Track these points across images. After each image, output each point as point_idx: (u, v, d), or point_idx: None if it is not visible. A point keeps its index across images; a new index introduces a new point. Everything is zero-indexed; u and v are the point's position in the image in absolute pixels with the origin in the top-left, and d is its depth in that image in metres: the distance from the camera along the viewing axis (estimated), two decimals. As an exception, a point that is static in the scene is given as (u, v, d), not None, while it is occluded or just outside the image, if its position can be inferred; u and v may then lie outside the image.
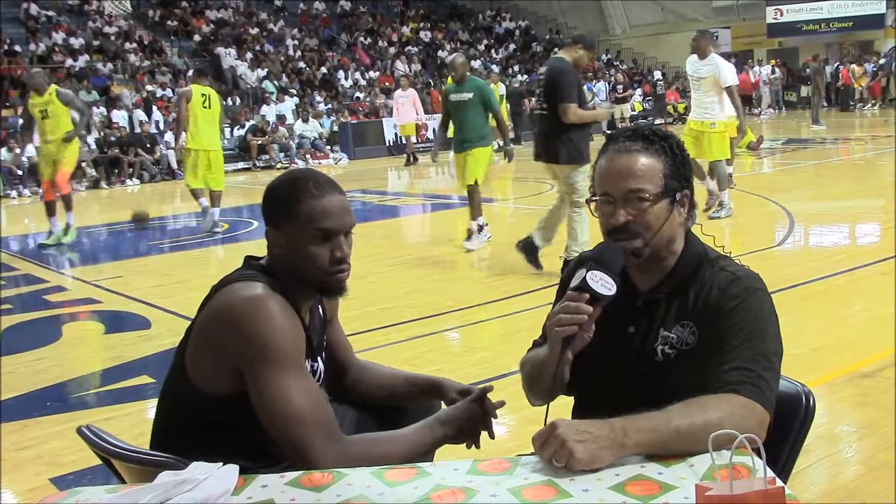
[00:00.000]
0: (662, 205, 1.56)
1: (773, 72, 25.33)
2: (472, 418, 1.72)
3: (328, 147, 19.25)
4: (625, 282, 1.64)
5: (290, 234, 1.66)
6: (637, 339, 1.60)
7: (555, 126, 5.55)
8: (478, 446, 1.74)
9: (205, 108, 8.63)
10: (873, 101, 24.13)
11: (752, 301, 1.51)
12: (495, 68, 25.14)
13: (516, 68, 26.62)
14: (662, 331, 1.57)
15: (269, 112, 19.48)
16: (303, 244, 1.65)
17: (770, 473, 1.17)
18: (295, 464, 1.52)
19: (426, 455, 1.67)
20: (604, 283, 1.48)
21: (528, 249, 5.98)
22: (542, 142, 5.77)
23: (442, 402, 1.89)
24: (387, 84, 22.87)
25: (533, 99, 5.42)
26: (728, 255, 1.65)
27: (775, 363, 1.47)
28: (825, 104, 22.48)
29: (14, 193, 15.27)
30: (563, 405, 1.75)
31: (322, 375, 1.84)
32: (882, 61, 24.33)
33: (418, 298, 5.77)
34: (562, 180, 5.77)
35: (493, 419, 1.76)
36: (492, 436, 1.76)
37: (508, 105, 20.00)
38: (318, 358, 1.83)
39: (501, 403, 1.77)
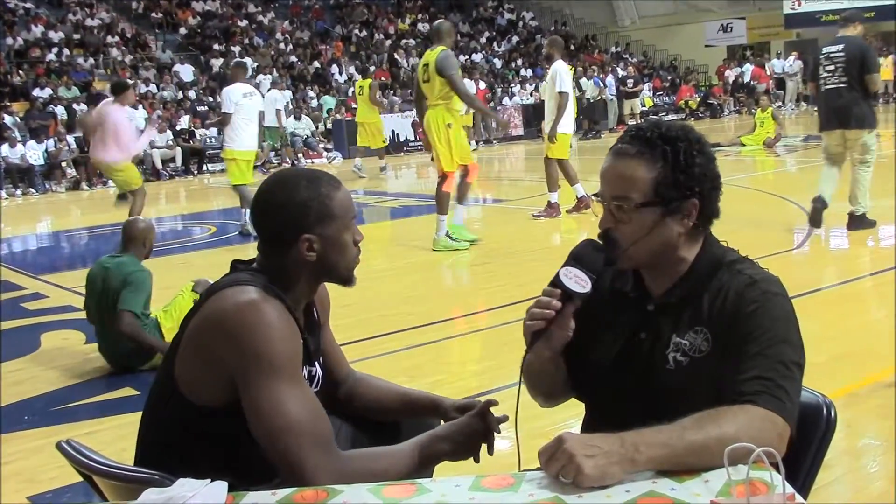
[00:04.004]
0: (646, 214, 1.56)
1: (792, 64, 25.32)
2: (473, 434, 1.72)
3: (321, 145, 19.26)
4: (637, 285, 1.65)
5: (329, 233, 1.70)
6: (648, 346, 1.60)
7: (860, 96, 6.78)
8: (476, 460, 1.74)
9: None
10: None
11: (771, 306, 1.51)
12: (497, 62, 25.19)
13: (519, 62, 26.64)
14: (675, 337, 1.57)
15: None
16: (340, 237, 1.72)
17: (789, 489, 1.17)
18: (288, 479, 1.52)
19: (425, 471, 1.68)
20: (577, 280, 1.54)
21: (857, 221, 6.94)
22: (843, 112, 6.83)
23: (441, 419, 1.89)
24: (383, 79, 22.89)
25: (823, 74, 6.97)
26: (745, 257, 1.64)
27: (796, 372, 1.47)
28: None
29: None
30: (567, 406, 1.75)
31: (320, 381, 1.84)
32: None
33: (417, 305, 5.77)
34: (855, 144, 6.86)
35: (494, 435, 1.76)
36: (490, 452, 1.76)
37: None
38: (316, 363, 1.83)
39: (504, 418, 1.77)
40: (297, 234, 1.68)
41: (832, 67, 6.88)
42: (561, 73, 8.60)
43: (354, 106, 21.38)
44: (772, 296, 1.52)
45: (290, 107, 19.12)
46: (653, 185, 1.55)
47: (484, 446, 1.75)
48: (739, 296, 1.53)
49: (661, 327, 1.60)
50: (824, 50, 7.01)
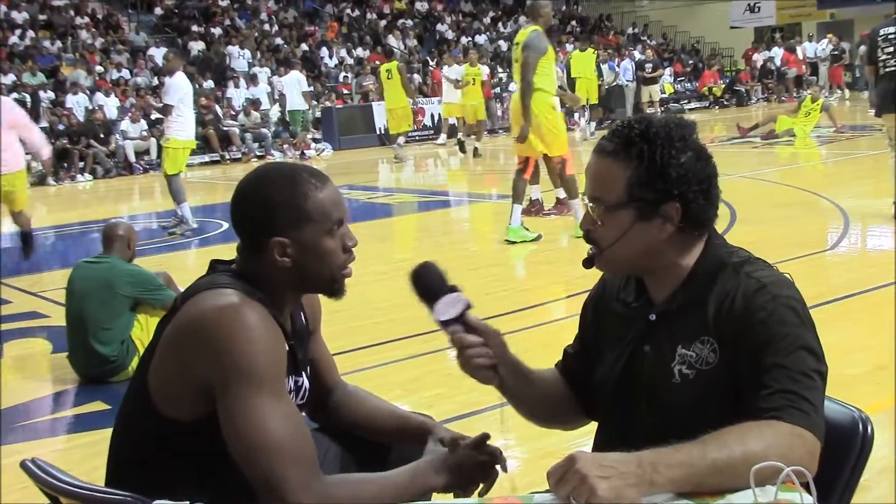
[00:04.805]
0: (620, 217, 1.57)
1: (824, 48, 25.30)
2: (471, 468, 1.71)
3: (309, 136, 19.25)
4: (641, 294, 1.66)
5: (303, 238, 1.68)
6: (652, 358, 1.61)
7: None
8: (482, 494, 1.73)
9: None
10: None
11: (783, 311, 1.50)
12: (503, 44, 25.14)
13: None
14: (680, 349, 1.58)
15: (237, 96, 19.43)
16: (319, 243, 1.69)
17: (821, 512, 1.17)
18: (268, 502, 1.52)
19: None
20: (449, 305, 1.74)
21: None
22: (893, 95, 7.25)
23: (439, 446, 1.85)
24: (378, 63, 22.88)
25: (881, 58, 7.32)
26: (755, 257, 1.63)
27: (818, 381, 1.47)
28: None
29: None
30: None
31: (307, 392, 1.84)
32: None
33: (415, 311, 5.74)
34: None
35: (497, 471, 1.75)
36: (504, 469, 1.75)
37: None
38: (303, 372, 1.83)
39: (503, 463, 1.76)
40: (267, 236, 1.68)
41: (891, 49, 7.15)
42: None
43: (346, 92, 21.56)
44: (784, 300, 1.52)
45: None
46: (626, 187, 1.56)
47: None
48: (748, 301, 1.52)
49: (664, 338, 1.60)
50: (881, 32, 7.27)
